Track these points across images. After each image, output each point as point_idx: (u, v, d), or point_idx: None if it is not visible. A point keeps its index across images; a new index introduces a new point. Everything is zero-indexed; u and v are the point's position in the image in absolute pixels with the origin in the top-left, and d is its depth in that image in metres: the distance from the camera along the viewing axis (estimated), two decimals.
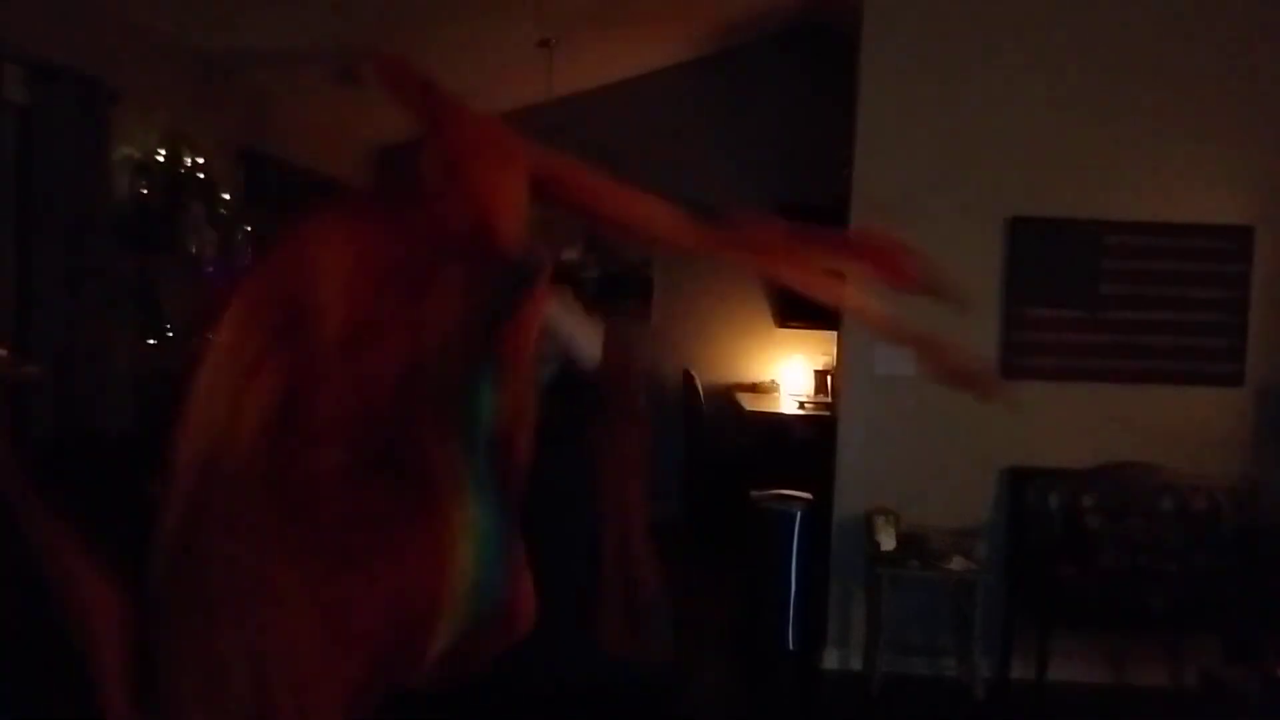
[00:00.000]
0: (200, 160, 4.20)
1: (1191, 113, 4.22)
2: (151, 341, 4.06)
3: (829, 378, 6.18)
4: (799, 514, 4.59)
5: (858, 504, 4.30)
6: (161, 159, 4.04)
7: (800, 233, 1.44)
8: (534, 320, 1.27)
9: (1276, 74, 4.22)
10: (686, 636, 4.45)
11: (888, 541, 4.13)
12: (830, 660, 4.42)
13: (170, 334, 4.13)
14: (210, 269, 4.39)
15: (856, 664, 4.36)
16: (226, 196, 4.48)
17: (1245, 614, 3.93)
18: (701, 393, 6.60)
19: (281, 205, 5.27)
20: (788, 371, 6.99)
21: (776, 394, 6.90)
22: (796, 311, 6.84)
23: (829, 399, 5.84)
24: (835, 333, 4.70)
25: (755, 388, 7.01)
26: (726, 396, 6.89)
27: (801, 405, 6.39)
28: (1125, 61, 4.23)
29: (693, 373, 6.76)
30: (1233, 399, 4.26)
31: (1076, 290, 4.25)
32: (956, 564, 4.05)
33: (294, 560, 1.01)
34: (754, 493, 4.73)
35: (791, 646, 4.55)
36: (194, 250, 4.16)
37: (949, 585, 4.21)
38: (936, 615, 4.32)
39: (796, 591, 4.57)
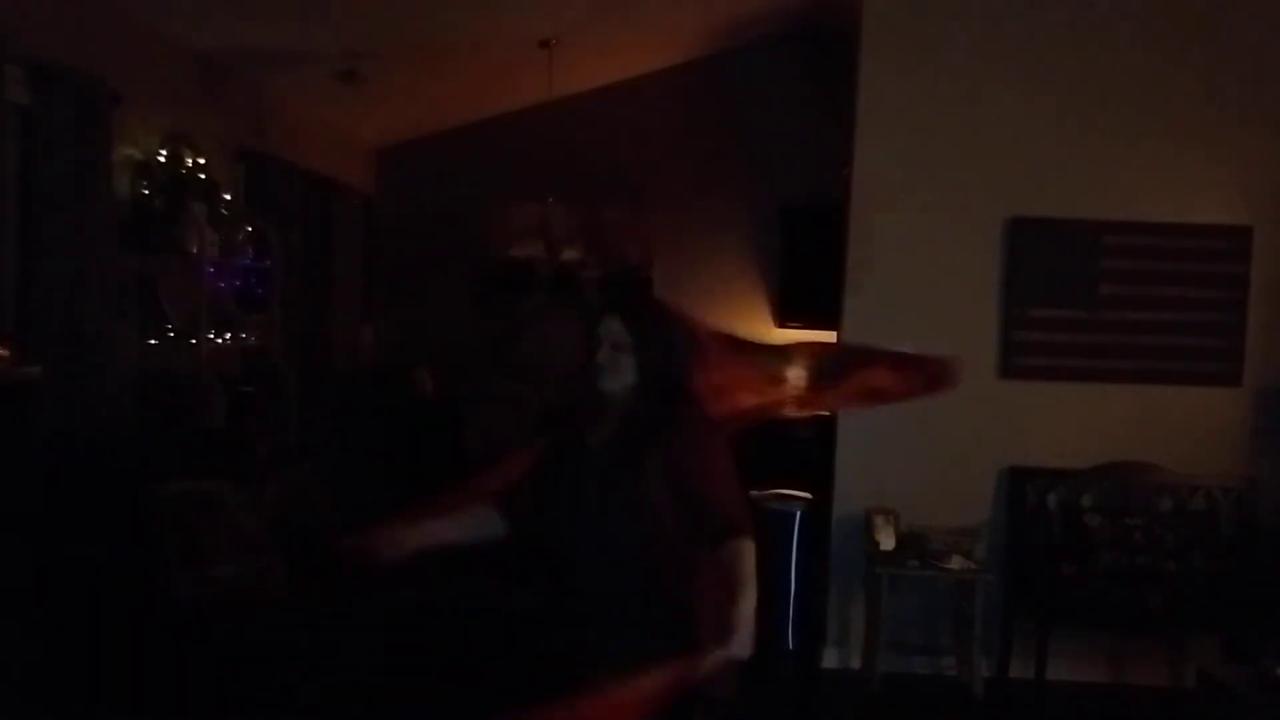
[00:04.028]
0: (200, 160, 4.20)
1: (1190, 113, 4.23)
2: (152, 341, 4.06)
3: None
4: (799, 514, 4.59)
5: (857, 503, 4.30)
6: (162, 159, 4.05)
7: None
8: None
9: (1275, 74, 4.22)
10: None
11: (887, 541, 4.14)
12: (830, 660, 4.42)
13: (170, 334, 4.14)
14: (210, 269, 4.40)
15: (856, 663, 4.36)
16: (227, 196, 4.49)
17: (1244, 613, 3.93)
18: None
19: (281, 205, 5.29)
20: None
21: None
22: (796, 311, 6.85)
23: None
24: (835, 333, 4.70)
25: None
26: None
27: None
28: (1124, 62, 4.23)
29: None
30: (1231, 399, 4.26)
31: (1076, 290, 4.26)
32: (956, 563, 4.05)
33: None
34: (754, 492, 4.73)
35: (791, 646, 4.55)
36: (194, 250, 4.16)
37: (948, 585, 4.21)
38: (936, 615, 4.32)
39: (796, 591, 4.57)
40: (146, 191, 3.96)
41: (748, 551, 2.01)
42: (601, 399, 2.17)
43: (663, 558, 2.10)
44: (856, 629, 4.39)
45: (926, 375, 2.55)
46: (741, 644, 1.85)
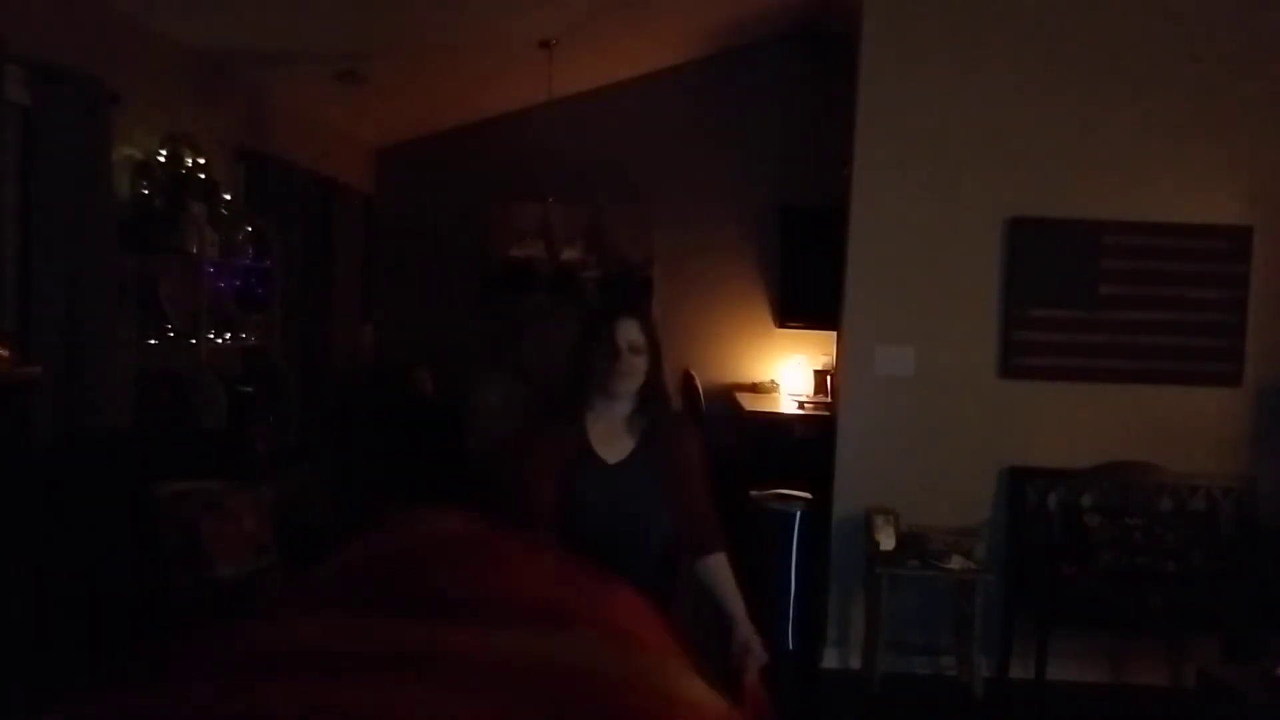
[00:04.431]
0: (200, 160, 4.20)
1: (1190, 113, 4.23)
2: (151, 341, 4.06)
3: (829, 378, 6.19)
4: (799, 513, 4.59)
5: (857, 503, 4.30)
6: (162, 159, 4.04)
7: None
8: None
9: (1275, 74, 4.22)
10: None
11: (887, 541, 4.14)
12: (830, 660, 4.42)
13: (170, 334, 4.13)
14: (210, 269, 4.40)
15: (856, 663, 4.36)
16: (227, 196, 4.49)
17: (1244, 613, 3.93)
18: (701, 393, 6.60)
19: (281, 205, 5.28)
20: (788, 371, 6.99)
21: (776, 394, 6.90)
22: (796, 311, 6.85)
23: (829, 399, 5.84)
24: (835, 333, 4.70)
25: (755, 388, 7.02)
26: (726, 396, 6.90)
27: (801, 405, 6.40)
28: (1125, 62, 4.23)
29: (693, 373, 6.76)
30: (1231, 399, 4.26)
31: (1076, 290, 4.26)
32: (956, 563, 4.05)
33: None
34: (754, 492, 4.74)
35: (791, 646, 4.55)
36: (194, 250, 4.16)
37: (948, 585, 4.22)
38: (936, 615, 4.32)
39: (796, 591, 4.57)
40: (146, 191, 3.95)
41: (727, 564, 2.25)
42: (612, 402, 2.19)
43: (662, 557, 2.18)
44: (856, 629, 4.39)
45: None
46: (762, 650, 2.09)
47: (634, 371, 2.16)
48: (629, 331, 2.16)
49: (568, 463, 2.15)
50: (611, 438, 2.19)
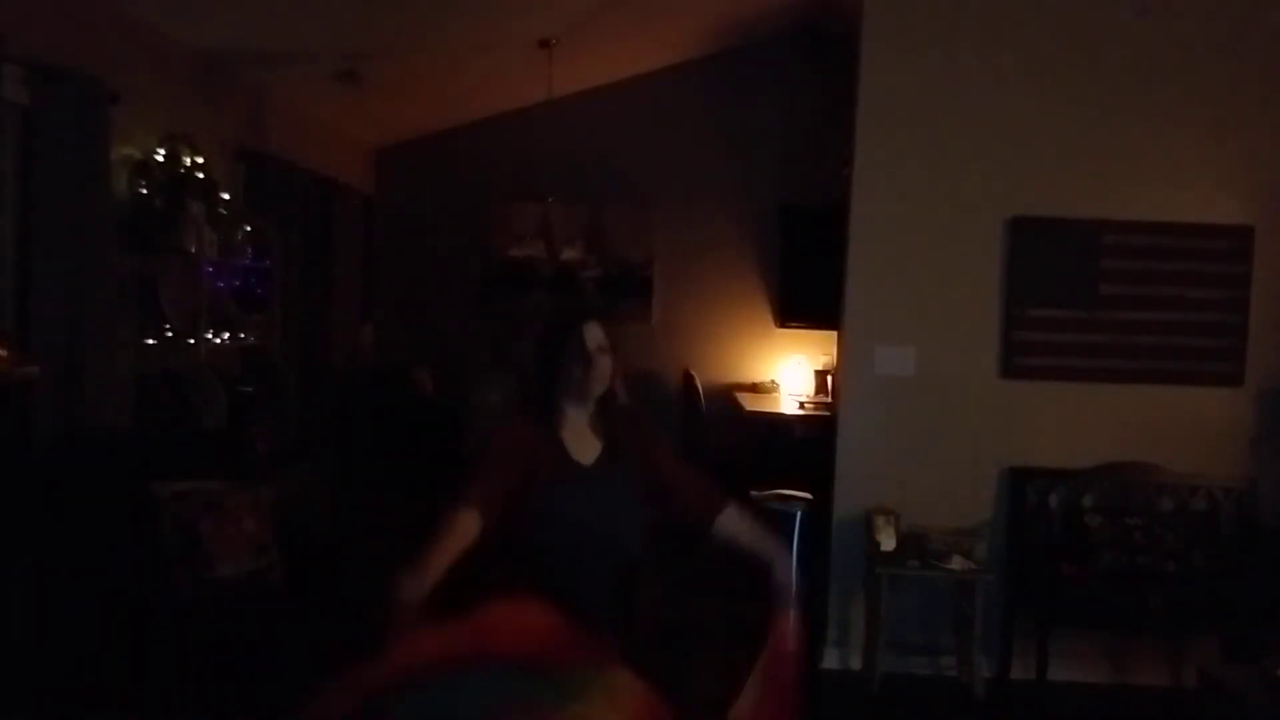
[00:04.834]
0: (200, 160, 4.20)
1: (1191, 112, 4.22)
2: (151, 341, 4.06)
3: (829, 378, 6.19)
4: (799, 514, 4.59)
5: (858, 504, 4.30)
6: (161, 159, 4.04)
7: None
8: None
9: (1276, 74, 4.22)
10: (685, 636, 4.45)
11: (887, 541, 4.13)
12: (830, 660, 4.42)
13: (170, 334, 4.13)
14: (210, 269, 4.40)
15: (856, 664, 4.36)
16: (226, 196, 4.49)
17: (1244, 614, 3.93)
18: (701, 393, 6.60)
19: (281, 205, 5.29)
20: (788, 371, 6.99)
21: (776, 394, 6.91)
22: (796, 311, 6.85)
23: (829, 399, 5.84)
24: (835, 333, 4.70)
25: (755, 388, 7.02)
26: (726, 396, 6.89)
27: (801, 405, 6.40)
28: (1125, 61, 4.23)
29: (693, 373, 6.76)
30: (1232, 399, 4.26)
31: (1076, 290, 4.25)
32: (956, 564, 4.05)
33: None
34: (754, 492, 4.73)
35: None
36: (194, 250, 4.16)
37: (948, 585, 4.21)
38: (936, 615, 4.32)
39: (796, 591, 4.56)
40: (145, 191, 3.96)
41: (738, 512, 2.38)
42: (581, 406, 2.22)
43: (641, 555, 2.25)
44: (856, 629, 4.39)
45: None
46: (788, 570, 2.36)
47: (605, 373, 2.21)
48: (596, 335, 2.19)
49: (546, 473, 2.14)
50: (581, 442, 2.22)
